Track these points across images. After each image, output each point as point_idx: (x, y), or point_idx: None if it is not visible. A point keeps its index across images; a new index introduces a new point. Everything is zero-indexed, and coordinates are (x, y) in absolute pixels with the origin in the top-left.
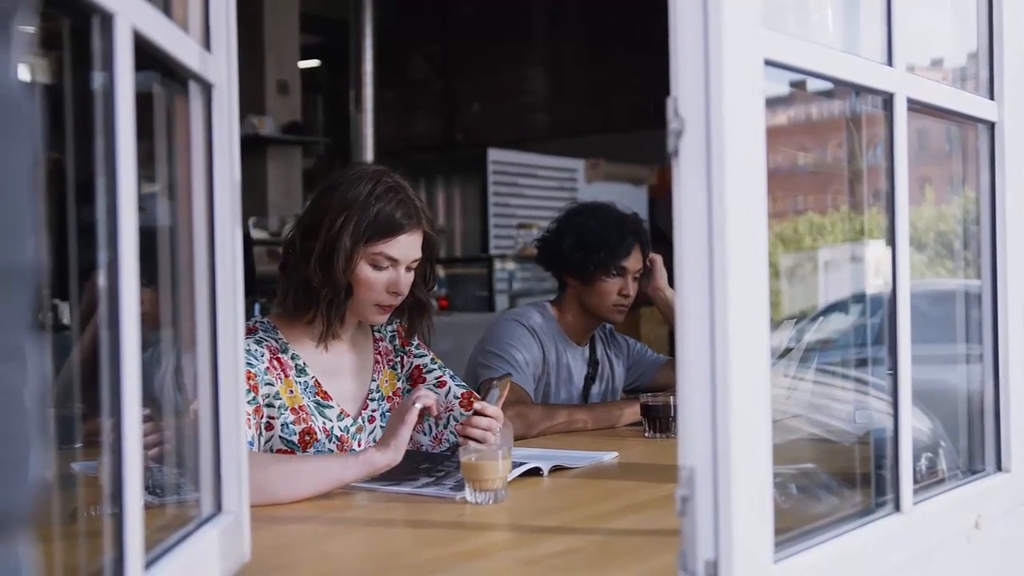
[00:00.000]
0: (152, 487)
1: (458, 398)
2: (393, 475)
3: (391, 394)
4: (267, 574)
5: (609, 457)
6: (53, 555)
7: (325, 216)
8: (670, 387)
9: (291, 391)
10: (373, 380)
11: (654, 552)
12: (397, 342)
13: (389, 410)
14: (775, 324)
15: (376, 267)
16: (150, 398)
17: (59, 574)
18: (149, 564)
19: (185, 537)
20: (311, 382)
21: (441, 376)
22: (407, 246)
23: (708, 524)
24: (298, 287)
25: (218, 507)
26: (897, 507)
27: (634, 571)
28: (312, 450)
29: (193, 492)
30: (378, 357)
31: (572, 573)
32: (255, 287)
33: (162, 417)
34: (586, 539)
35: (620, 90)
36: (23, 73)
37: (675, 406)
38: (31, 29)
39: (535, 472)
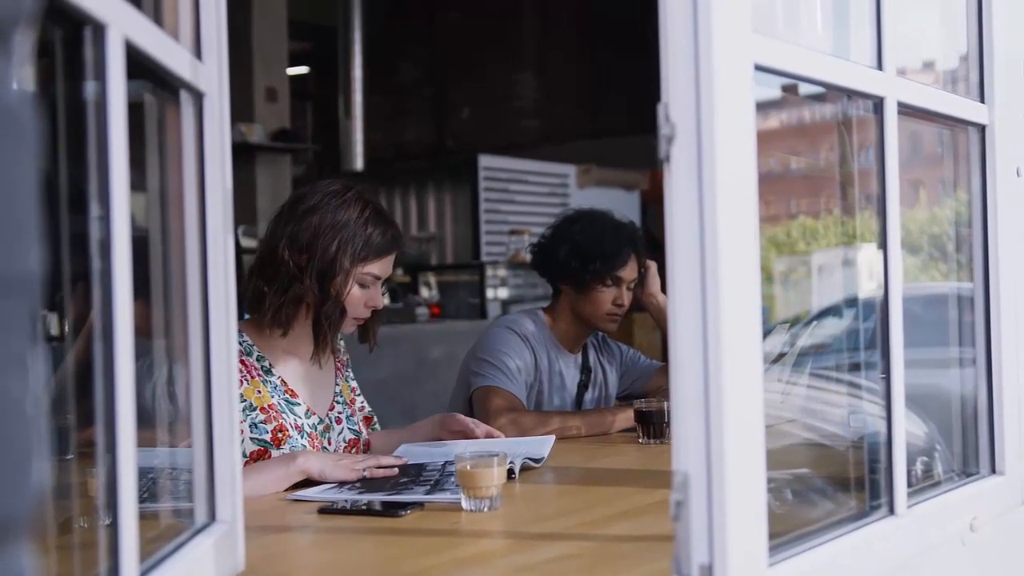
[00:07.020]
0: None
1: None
2: (386, 488)
3: (349, 401)
4: None
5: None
6: (48, 566)
7: (317, 238)
8: (663, 393)
9: (258, 391)
10: (336, 384)
11: (649, 558)
12: (346, 357)
13: (351, 415)
14: (768, 329)
15: (362, 286)
16: (142, 409)
17: None
18: (143, 574)
19: (179, 547)
20: (278, 381)
21: (361, 403)
22: (390, 265)
23: (702, 528)
24: (292, 303)
25: (212, 517)
26: (891, 510)
27: None
28: (286, 446)
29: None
30: (339, 365)
31: None
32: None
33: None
34: (582, 545)
35: (611, 95)
36: (24, 83)
37: (669, 411)
38: (31, 40)
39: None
